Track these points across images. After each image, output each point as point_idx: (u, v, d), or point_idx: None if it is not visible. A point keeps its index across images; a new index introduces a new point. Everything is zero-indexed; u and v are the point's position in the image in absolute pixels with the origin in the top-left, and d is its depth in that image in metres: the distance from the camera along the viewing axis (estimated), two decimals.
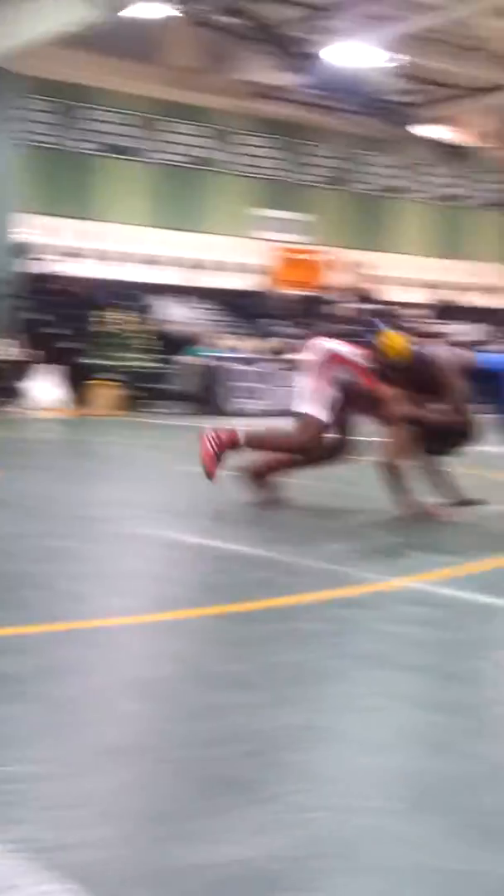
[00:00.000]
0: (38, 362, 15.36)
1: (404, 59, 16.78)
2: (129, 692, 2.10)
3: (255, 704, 1.97)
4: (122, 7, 14.89)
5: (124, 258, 19.22)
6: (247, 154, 20.79)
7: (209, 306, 19.11)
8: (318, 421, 4.91)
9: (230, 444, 4.96)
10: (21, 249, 17.08)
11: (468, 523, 4.52)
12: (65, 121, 18.61)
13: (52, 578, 3.22)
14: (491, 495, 4.94)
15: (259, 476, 5.00)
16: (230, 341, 16.88)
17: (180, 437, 11.34)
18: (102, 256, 18.69)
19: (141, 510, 4.88)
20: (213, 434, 5.02)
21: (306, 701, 2.00)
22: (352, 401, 5.05)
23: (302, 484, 6.16)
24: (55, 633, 2.50)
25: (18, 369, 15.20)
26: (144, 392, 15.53)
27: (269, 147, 21.00)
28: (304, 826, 1.46)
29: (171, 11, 15.55)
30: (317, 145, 21.36)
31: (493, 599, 2.97)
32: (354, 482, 6.45)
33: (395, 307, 19.69)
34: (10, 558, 3.43)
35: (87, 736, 1.82)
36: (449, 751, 1.77)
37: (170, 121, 19.93)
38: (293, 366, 15.76)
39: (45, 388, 15.56)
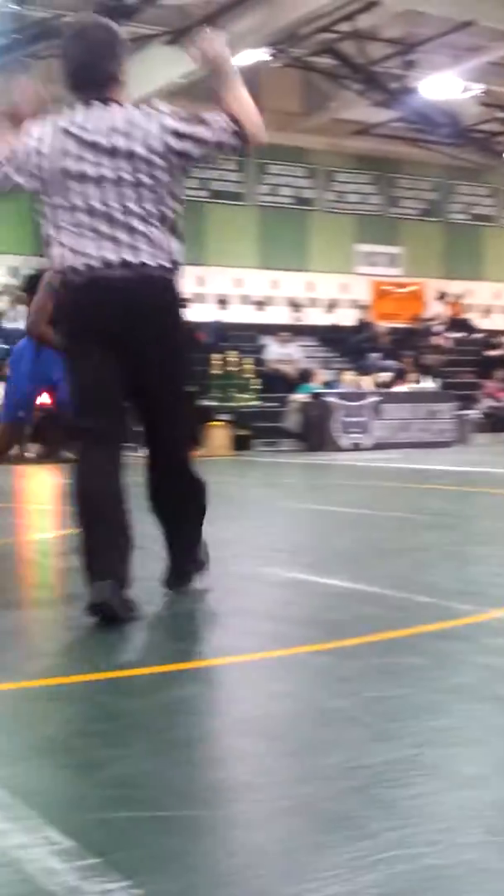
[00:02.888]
0: None
1: (491, 88, 16.76)
2: (240, 730, 2.16)
3: (358, 740, 2.00)
4: (232, 57, 15.29)
5: (235, 300, 19.57)
6: (344, 191, 20.98)
7: (316, 343, 19.25)
8: None
9: None
10: None
11: None
12: None
13: (169, 620, 3.32)
14: None
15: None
16: (338, 377, 16.96)
17: (292, 474, 11.43)
18: (216, 300, 19.08)
19: (251, 548, 4.95)
20: None
21: (407, 736, 2.02)
22: None
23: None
24: (169, 672, 2.58)
25: None
26: (256, 431, 15.70)
27: (365, 183, 21.15)
28: (407, 862, 1.48)
29: (265, 56, 15.90)
30: (410, 178, 21.42)
31: None
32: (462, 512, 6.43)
33: (493, 335, 19.54)
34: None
35: (202, 775, 1.88)
36: None
37: (272, 163, 20.25)
38: (398, 397, 15.77)
39: None
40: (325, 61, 16.92)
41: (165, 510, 3.50)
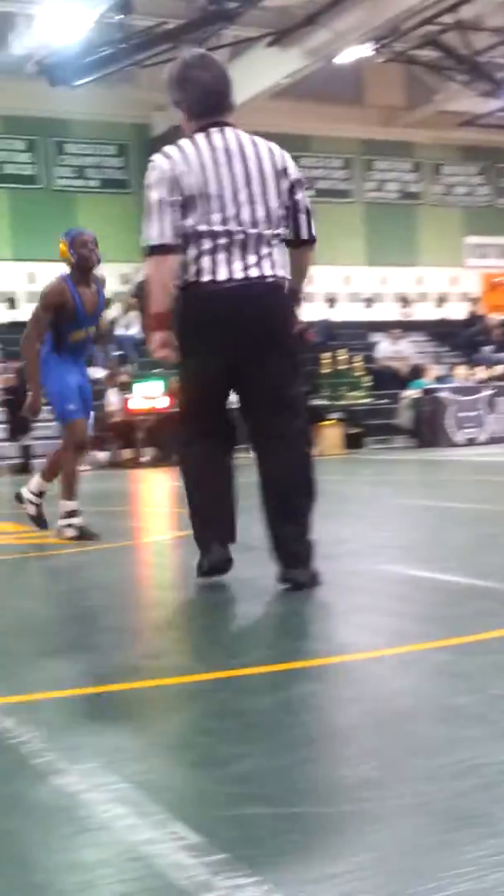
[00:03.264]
0: None
1: None
2: (363, 727, 2.15)
3: (483, 737, 1.97)
4: (335, 55, 15.28)
5: (344, 299, 19.51)
6: (452, 184, 20.70)
7: (427, 338, 19.05)
8: None
9: None
10: None
11: None
12: None
13: (286, 618, 3.33)
14: None
15: None
16: (451, 371, 16.73)
17: (406, 471, 11.33)
18: (324, 299, 19.07)
19: (367, 546, 4.93)
20: None
21: None
22: None
23: None
24: (289, 670, 2.58)
25: None
26: (368, 429, 15.61)
27: (473, 174, 20.83)
28: None
29: (368, 52, 15.80)
30: None
31: None
32: None
33: None
34: (251, 601, 3.55)
35: (326, 772, 1.88)
36: None
37: (378, 159, 20.12)
38: None
39: None
40: (429, 54, 16.74)
41: (277, 505, 3.59)
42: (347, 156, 19.85)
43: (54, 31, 14.12)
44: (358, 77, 18.61)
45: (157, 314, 3.57)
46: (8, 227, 17.47)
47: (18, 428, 13.91)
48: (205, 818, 1.63)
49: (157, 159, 3.52)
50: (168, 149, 3.55)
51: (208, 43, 13.86)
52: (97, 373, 16.45)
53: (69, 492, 5.48)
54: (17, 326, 16.89)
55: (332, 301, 19.36)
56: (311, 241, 3.72)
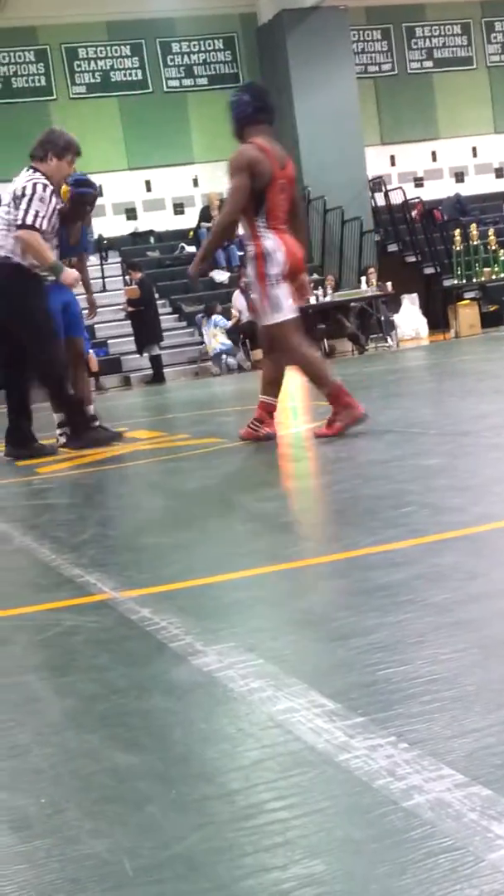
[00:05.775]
0: (399, 293, 15.42)
1: None
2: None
3: None
4: None
5: (475, 171, 18.76)
6: None
7: None
8: None
9: None
10: (376, 183, 17.18)
11: None
12: (398, 45, 18.40)
13: (428, 494, 3.27)
14: None
15: None
16: None
17: None
18: (454, 174, 18.38)
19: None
20: None
21: None
22: None
23: None
24: (431, 543, 2.53)
25: (382, 303, 15.38)
26: None
27: None
28: None
29: None
30: None
31: None
32: None
33: None
34: (389, 480, 3.54)
35: (468, 635, 1.84)
36: None
37: (499, 20, 19.06)
38: None
39: (408, 318, 15.62)
40: None
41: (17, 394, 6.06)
42: (465, 20, 18.84)
43: None
44: None
45: None
46: (121, 136, 17.36)
47: (146, 338, 14.03)
48: (342, 686, 1.62)
49: None
50: None
51: None
52: (220, 276, 16.38)
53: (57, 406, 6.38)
54: (138, 237, 16.92)
55: (459, 175, 18.63)
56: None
